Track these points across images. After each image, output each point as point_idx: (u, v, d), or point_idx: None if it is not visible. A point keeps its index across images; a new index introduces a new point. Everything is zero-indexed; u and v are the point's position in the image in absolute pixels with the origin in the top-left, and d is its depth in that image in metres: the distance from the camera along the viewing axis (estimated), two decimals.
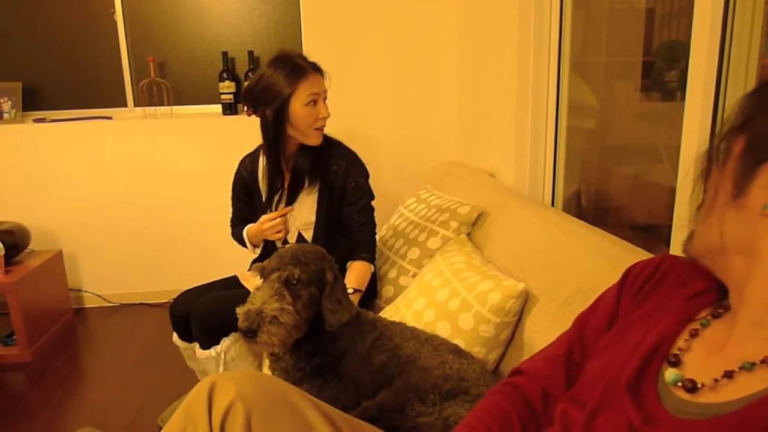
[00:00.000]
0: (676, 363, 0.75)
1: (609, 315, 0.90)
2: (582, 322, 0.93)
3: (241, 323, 1.26)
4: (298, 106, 1.82)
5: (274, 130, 1.86)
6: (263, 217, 1.92)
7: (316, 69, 1.88)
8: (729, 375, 0.69)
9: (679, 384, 0.72)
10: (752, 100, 0.73)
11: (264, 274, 1.35)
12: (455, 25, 3.00)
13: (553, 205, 2.20)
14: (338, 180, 1.93)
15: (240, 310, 1.28)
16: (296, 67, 1.83)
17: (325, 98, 1.90)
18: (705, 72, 1.28)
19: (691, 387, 0.70)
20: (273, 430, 0.93)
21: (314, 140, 1.90)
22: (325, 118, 1.88)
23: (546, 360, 0.94)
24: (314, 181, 1.93)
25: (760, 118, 0.69)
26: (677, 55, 1.70)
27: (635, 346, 0.79)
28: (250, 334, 1.25)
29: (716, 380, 0.69)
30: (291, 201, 1.96)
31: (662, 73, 1.82)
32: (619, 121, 2.12)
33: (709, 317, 0.78)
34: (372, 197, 2.00)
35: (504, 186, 2.26)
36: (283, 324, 1.27)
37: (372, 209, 2.00)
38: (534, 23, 2.11)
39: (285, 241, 1.99)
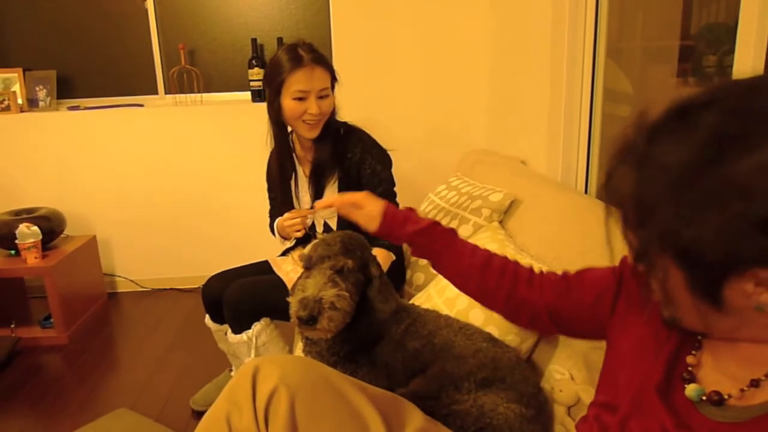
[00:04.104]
0: (691, 379, 0.74)
1: (611, 295, 0.94)
2: (586, 269, 1.05)
3: (300, 311, 1.24)
4: (287, 98, 1.81)
5: (272, 114, 1.87)
6: (285, 215, 1.91)
7: (318, 62, 1.80)
8: (756, 384, 0.68)
9: (704, 398, 0.71)
10: (645, 188, 0.65)
11: (312, 262, 1.35)
12: (487, 9, 2.95)
13: (586, 192, 2.17)
14: (354, 167, 1.90)
15: (293, 299, 1.27)
16: (294, 57, 1.78)
17: (323, 95, 1.81)
18: (753, 55, 1.24)
19: (717, 399, 0.70)
20: (317, 415, 0.93)
21: (305, 133, 1.86)
22: (314, 115, 1.80)
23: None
24: (332, 171, 1.92)
25: (686, 232, 0.61)
26: (719, 38, 1.65)
27: (660, 347, 0.79)
28: (311, 322, 1.24)
29: (743, 390, 0.69)
30: (318, 193, 1.95)
31: (701, 57, 1.77)
32: (656, 108, 2.07)
33: None
34: (392, 184, 1.95)
35: (536, 173, 2.22)
36: (339, 310, 1.27)
37: (392, 195, 1.95)
38: (569, 6, 2.06)
39: (312, 229, 2.00)
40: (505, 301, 1.12)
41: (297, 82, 1.78)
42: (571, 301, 1.03)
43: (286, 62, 1.78)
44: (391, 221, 1.21)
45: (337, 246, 1.34)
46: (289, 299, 1.29)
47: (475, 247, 1.19)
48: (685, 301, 0.66)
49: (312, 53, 1.81)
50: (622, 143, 0.68)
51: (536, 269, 1.15)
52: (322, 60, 1.82)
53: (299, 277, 1.39)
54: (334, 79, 1.88)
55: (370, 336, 1.39)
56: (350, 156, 1.90)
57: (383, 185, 1.91)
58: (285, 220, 1.88)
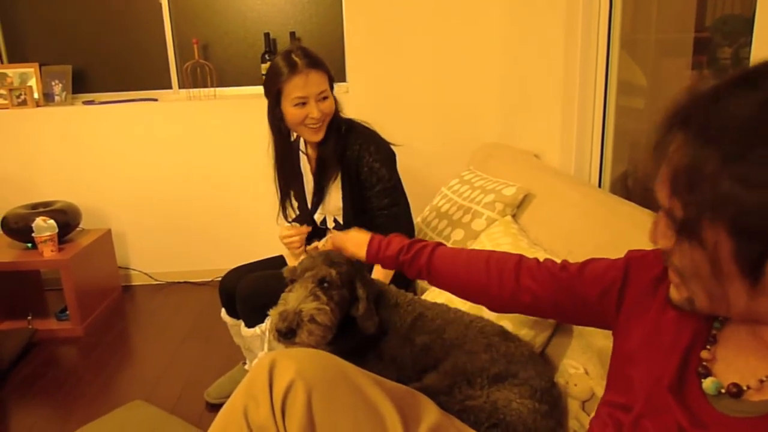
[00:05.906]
0: (707, 374, 0.74)
1: (616, 289, 0.94)
2: (588, 261, 1.04)
3: (279, 324, 1.22)
4: (287, 106, 1.80)
5: (274, 121, 1.88)
6: (282, 231, 1.90)
7: (313, 66, 1.78)
8: None
9: (722, 391, 0.71)
10: (697, 167, 0.61)
11: (296, 275, 1.33)
12: (500, 1, 2.93)
13: (600, 186, 2.15)
14: (353, 164, 1.88)
15: (274, 312, 1.26)
16: (288, 64, 1.77)
17: (322, 98, 1.80)
18: None
19: (737, 391, 0.69)
20: (334, 409, 0.94)
21: (309, 137, 1.87)
22: (316, 119, 1.80)
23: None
24: (333, 169, 1.90)
25: (747, 197, 0.58)
26: (735, 30, 1.63)
27: (671, 345, 0.79)
28: (290, 335, 1.22)
29: (762, 381, 0.68)
30: (320, 191, 1.95)
31: (716, 49, 1.75)
32: (670, 101, 2.05)
33: (722, 318, 0.77)
34: (391, 182, 1.89)
35: (549, 167, 2.21)
36: (320, 324, 1.24)
37: (392, 192, 1.89)
38: None
39: (323, 224, 2.00)
40: (499, 294, 1.12)
41: (295, 88, 1.77)
42: (574, 294, 1.02)
43: (282, 70, 1.78)
44: (378, 245, 1.31)
45: (321, 258, 1.33)
46: (270, 312, 1.27)
47: (461, 249, 1.25)
48: (732, 273, 0.63)
49: (306, 58, 1.78)
50: (674, 108, 0.66)
51: (531, 257, 1.14)
52: (316, 63, 1.80)
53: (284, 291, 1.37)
54: (331, 79, 1.86)
55: (363, 340, 1.37)
56: (349, 153, 1.89)
57: (381, 183, 1.87)
58: (284, 238, 1.87)
